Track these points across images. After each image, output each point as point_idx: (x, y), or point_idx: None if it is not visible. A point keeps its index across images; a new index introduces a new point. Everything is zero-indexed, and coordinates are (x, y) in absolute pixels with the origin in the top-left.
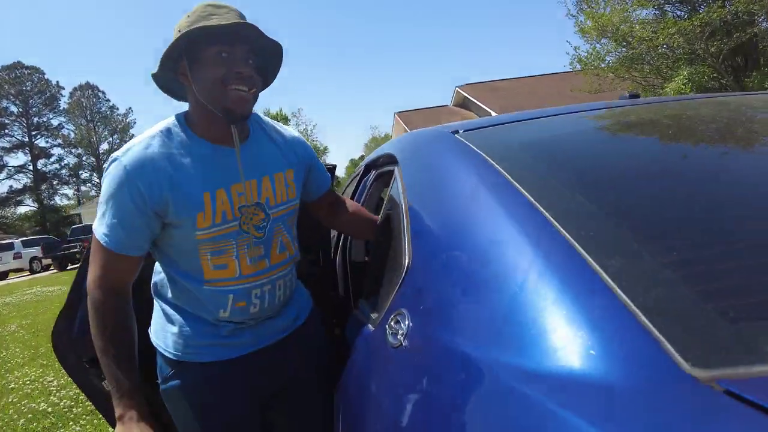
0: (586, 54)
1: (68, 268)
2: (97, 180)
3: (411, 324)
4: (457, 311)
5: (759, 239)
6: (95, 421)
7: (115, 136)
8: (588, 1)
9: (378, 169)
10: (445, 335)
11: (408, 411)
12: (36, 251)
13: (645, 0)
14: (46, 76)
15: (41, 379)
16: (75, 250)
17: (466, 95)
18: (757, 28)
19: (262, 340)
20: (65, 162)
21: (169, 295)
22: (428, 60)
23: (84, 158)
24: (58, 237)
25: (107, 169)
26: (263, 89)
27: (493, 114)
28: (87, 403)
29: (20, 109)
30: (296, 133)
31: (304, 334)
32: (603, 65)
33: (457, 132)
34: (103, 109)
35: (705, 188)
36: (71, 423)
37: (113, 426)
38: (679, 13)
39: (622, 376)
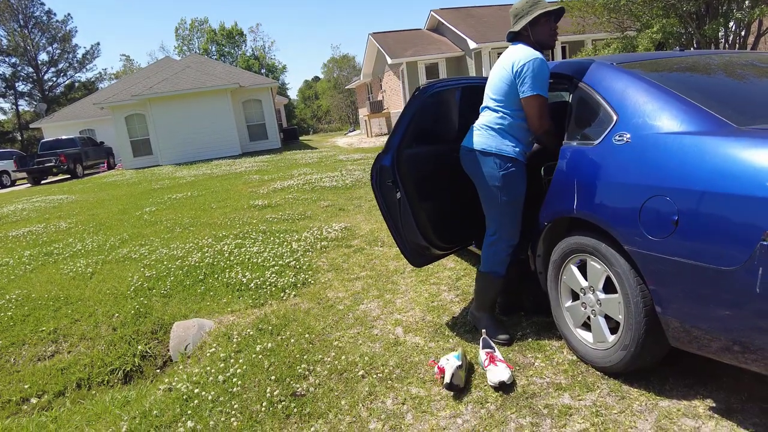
0: None
1: (42, 182)
2: (39, 94)
3: (630, 135)
4: (649, 121)
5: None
6: (248, 269)
7: (55, 45)
8: None
9: None
10: (651, 132)
11: (646, 171)
12: (3, 165)
13: None
14: None
15: (157, 251)
16: (51, 164)
17: (441, 19)
18: None
19: None
20: None
21: (511, 129)
22: None
23: (19, 68)
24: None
25: (538, 65)
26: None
27: (468, 40)
28: (229, 258)
29: None
30: None
31: None
32: (587, 9)
33: (613, 63)
34: (38, 13)
35: (731, 84)
36: (226, 270)
37: (387, 221)
38: None
39: (710, 126)
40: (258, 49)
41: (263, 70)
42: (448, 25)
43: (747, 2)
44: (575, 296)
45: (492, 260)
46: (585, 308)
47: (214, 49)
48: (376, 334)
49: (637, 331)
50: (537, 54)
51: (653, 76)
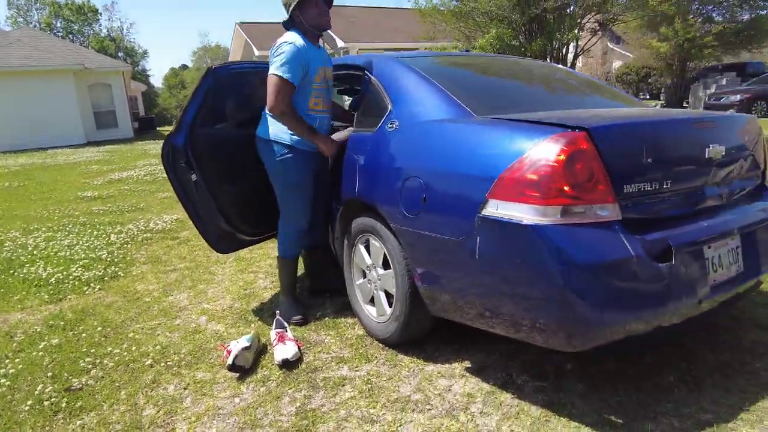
0: (425, 3)
1: None
2: None
3: (398, 122)
4: (413, 109)
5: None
6: (52, 263)
7: None
8: None
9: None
10: (414, 119)
11: (405, 154)
12: None
13: None
14: None
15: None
16: None
17: None
18: (546, 5)
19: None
20: None
21: None
22: None
23: None
24: None
25: (282, 47)
26: None
27: (336, 38)
28: (33, 252)
29: None
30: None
31: None
32: (439, 16)
33: (398, 58)
34: None
35: (491, 81)
36: (26, 265)
37: (185, 205)
38: None
39: (455, 115)
40: (115, 30)
41: (120, 54)
42: None
43: (565, 26)
44: (364, 274)
45: (283, 244)
46: (371, 285)
47: (59, 24)
48: (178, 324)
49: (404, 303)
50: (291, 38)
51: (427, 70)
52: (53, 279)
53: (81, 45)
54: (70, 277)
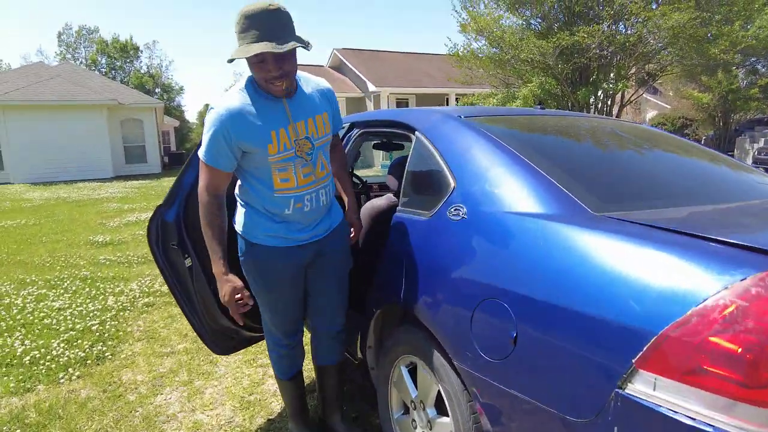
0: (462, 49)
1: None
2: None
3: (466, 209)
4: (489, 192)
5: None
6: (33, 333)
7: None
8: (471, 1)
9: (371, 128)
10: (491, 208)
11: (481, 261)
12: None
13: (514, 9)
14: None
15: None
16: None
17: (343, 59)
18: (591, 54)
19: (307, 239)
20: None
21: (249, 200)
22: (307, 15)
23: None
24: None
25: (208, 114)
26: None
27: (368, 82)
28: (16, 316)
29: None
30: (327, 84)
31: (334, 237)
32: (476, 62)
33: (460, 116)
34: None
35: (576, 147)
36: (4, 334)
37: (177, 296)
38: (539, 28)
39: (560, 209)
40: (154, 67)
41: (158, 89)
42: (349, 65)
43: (612, 75)
44: (407, 408)
45: (272, 361)
46: (416, 427)
47: (104, 61)
48: None
49: None
50: (221, 101)
51: (503, 136)
52: (28, 358)
53: (122, 81)
54: (48, 356)
